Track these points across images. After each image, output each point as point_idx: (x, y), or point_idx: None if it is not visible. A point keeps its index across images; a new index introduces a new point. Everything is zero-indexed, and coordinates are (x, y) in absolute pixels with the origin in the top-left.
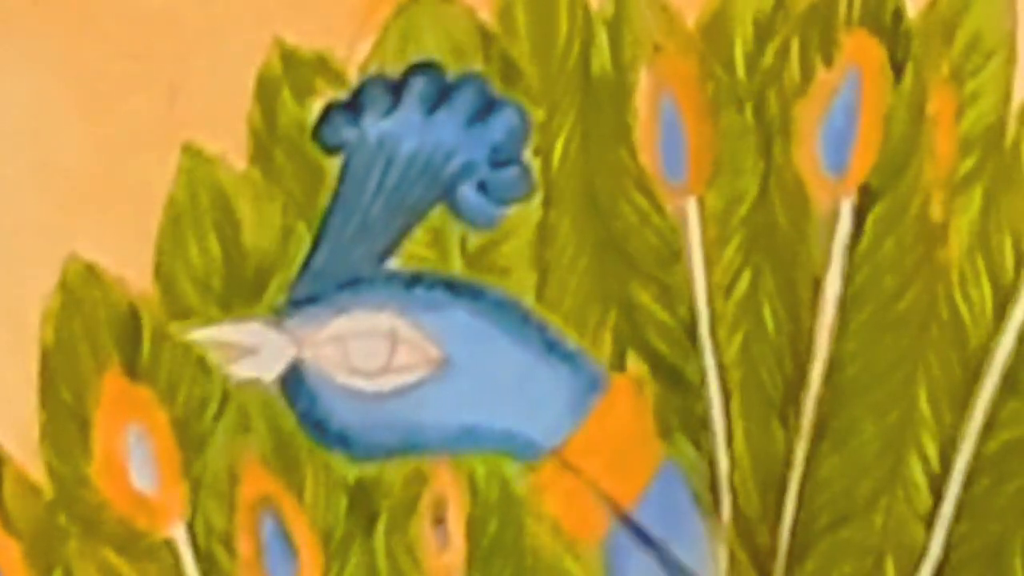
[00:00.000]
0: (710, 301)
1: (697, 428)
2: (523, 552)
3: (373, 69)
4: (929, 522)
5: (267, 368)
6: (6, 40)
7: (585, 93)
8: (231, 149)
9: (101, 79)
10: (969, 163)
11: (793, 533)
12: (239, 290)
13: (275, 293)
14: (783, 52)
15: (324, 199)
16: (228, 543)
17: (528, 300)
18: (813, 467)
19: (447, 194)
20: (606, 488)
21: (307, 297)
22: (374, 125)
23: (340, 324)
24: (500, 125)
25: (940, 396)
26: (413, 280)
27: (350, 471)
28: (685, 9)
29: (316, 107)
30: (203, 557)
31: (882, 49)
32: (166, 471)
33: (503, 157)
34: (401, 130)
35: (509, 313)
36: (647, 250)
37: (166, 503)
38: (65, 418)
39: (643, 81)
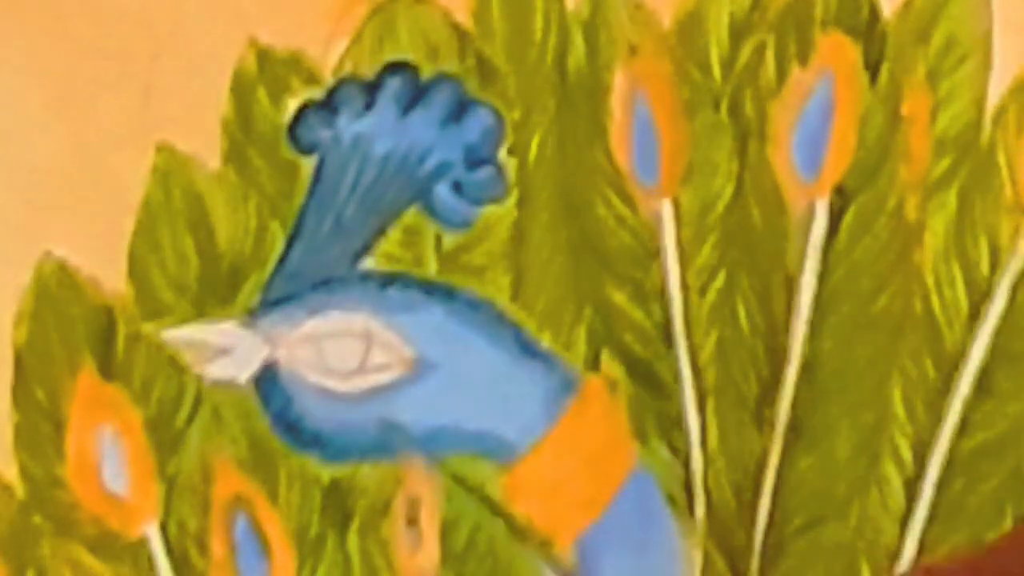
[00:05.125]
0: (685, 301)
1: (671, 429)
2: (497, 553)
3: (348, 69)
4: (903, 523)
5: (241, 368)
6: None
7: (560, 94)
8: (205, 149)
9: (75, 79)
10: (944, 164)
11: (767, 534)
12: (213, 290)
13: (249, 293)
14: (758, 53)
15: (299, 199)
16: (201, 543)
17: (503, 300)
18: (787, 468)
19: (422, 194)
20: (580, 489)
21: (281, 297)
22: (349, 125)
23: (314, 324)
24: (475, 125)
25: (915, 397)
26: (388, 280)
27: (324, 471)
28: (660, 9)
29: (291, 107)
30: (176, 557)
31: (857, 50)
32: (139, 471)
33: (478, 157)
34: (376, 130)
35: (483, 314)
36: (622, 250)
37: (139, 503)
38: (39, 418)
39: (618, 82)
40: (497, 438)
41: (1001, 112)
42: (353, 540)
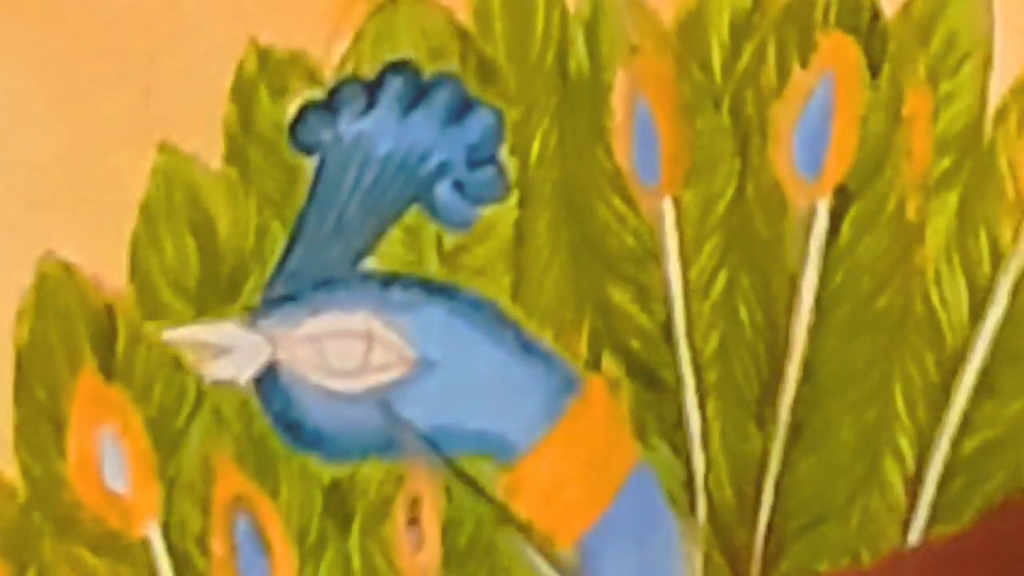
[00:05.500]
0: (686, 302)
1: (672, 429)
2: (498, 553)
3: (349, 69)
4: (905, 522)
5: (242, 368)
6: None
7: (562, 93)
8: (205, 149)
9: (75, 78)
10: (945, 164)
11: (768, 533)
12: (214, 290)
13: (250, 293)
14: (759, 53)
15: (300, 199)
16: (202, 543)
17: (504, 300)
18: (789, 467)
19: (423, 194)
20: (581, 489)
21: (282, 297)
22: (350, 125)
23: (315, 324)
24: (476, 125)
25: (916, 396)
26: (389, 280)
27: (325, 471)
28: (661, 9)
29: (292, 107)
30: (178, 557)
31: (858, 50)
32: (140, 471)
33: (479, 157)
34: (377, 130)
35: (484, 314)
36: (623, 251)
37: (140, 503)
38: (39, 418)
39: (619, 81)
40: (498, 438)
41: (1002, 112)
42: (354, 540)
